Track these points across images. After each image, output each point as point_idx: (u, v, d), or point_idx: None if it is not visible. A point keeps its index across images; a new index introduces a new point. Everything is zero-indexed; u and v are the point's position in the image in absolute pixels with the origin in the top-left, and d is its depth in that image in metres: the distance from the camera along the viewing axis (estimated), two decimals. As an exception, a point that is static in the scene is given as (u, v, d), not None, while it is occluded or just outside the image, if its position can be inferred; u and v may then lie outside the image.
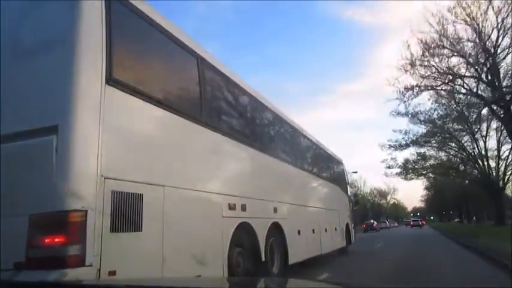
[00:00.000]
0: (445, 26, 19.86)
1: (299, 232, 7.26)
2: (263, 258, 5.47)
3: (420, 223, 57.09)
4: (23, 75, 3.08)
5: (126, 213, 3.10)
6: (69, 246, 2.66)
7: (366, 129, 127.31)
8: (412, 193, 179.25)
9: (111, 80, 3.13)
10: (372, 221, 45.76)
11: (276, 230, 6.15)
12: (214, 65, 5.08)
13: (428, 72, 20.95)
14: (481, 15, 18.96)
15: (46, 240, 2.68)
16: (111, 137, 3.06)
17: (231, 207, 4.82)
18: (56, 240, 2.67)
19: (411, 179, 34.46)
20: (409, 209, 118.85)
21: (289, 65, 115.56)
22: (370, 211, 68.27)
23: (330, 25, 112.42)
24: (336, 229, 10.57)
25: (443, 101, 26.20)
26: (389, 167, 31.59)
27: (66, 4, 3.13)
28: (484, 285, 5.75)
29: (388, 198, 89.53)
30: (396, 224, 69.29)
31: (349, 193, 13.82)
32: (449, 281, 6.24)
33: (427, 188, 61.61)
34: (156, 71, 4.03)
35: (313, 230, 8.32)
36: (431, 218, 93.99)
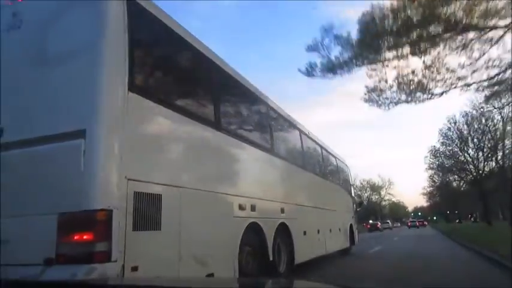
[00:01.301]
0: None
1: (305, 232, 7.43)
2: (271, 258, 5.63)
3: (418, 224, 59.08)
4: (51, 81, 3.26)
5: (147, 212, 3.29)
6: (96, 243, 2.84)
7: (365, 128, 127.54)
8: (413, 192, 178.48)
9: (133, 87, 3.31)
10: (376, 221, 49.63)
11: (283, 230, 6.31)
12: (228, 71, 5.27)
13: None
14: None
15: (75, 238, 2.87)
16: (133, 140, 3.24)
17: (242, 207, 5.00)
18: (84, 237, 2.85)
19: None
20: (410, 208, 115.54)
21: (289, 63, 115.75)
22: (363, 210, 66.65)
23: (330, 24, 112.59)
24: (340, 230, 10.73)
25: None
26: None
27: (92, 15, 3.31)
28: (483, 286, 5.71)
29: (383, 193, 79.40)
30: (399, 224, 69.51)
31: (353, 194, 13.98)
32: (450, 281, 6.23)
33: (431, 179, 55.49)
34: (172, 77, 4.21)
35: (318, 231, 8.49)
36: (435, 218, 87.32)
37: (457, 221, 61.99)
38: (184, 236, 3.71)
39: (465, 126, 34.60)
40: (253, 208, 5.27)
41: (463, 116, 34.07)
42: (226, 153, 4.89)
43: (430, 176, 49.14)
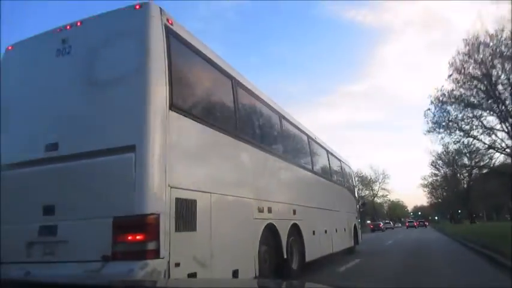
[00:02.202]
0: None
1: (314, 232, 7.89)
2: (285, 256, 6.10)
3: (415, 224, 60.48)
4: (102, 102, 3.74)
5: (185, 216, 3.76)
6: (147, 242, 3.32)
7: (364, 128, 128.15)
8: (413, 191, 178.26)
9: (172, 106, 3.79)
10: (379, 222, 53.02)
11: (295, 230, 6.78)
12: (249, 87, 5.81)
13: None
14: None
15: (128, 238, 3.34)
16: (173, 153, 3.71)
17: (260, 209, 5.47)
18: (137, 237, 3.33)
19: None
20: (410, 207, 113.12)
21: (290, 65, 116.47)
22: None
23: (331, 25, 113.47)
24: (345, 230, 11.20)
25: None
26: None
27: (136, 43, 3.79)
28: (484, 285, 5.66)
29: (376, 188, 69.20)
30: (399, 225, 70.10)
31: (356, 196, 14.46)
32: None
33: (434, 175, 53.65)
34: (203, 95, 4.70)
35: (326, 231, 8.95)
36: (436, 218, 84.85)
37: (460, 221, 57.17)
38: (214, 235, 4.19)
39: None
40: (269, 210, 5.75)
41: None
42: (247, 161, 5.38)
43: (433, 162, 45.44)
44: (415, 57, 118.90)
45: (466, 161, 38.78)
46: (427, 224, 65.30)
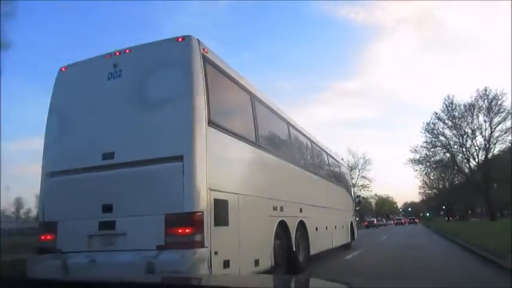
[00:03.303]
0: None
1: (317, 229, 8.72)
2: (294, 249, 6.92)
3: (403, 221, 63.39)
4: (152, 119, 4.51)
5: (220, 213, 4.55)
6: (194, 234, 4.10)
7: (357, 125, 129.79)
8: (405, 188, 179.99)
9: (210, 122, 4.57)
10: (373, 219, 56.96)
11: (301, 226, 7.60)
12: (263, 99, 6.64)
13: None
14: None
15: (179, 231, 4.13)
16: (211, 161, 4.49)
17: (274, 208, 6.28)
18: (186, 231, 4.11)
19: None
20: (400, 204, 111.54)
21: (283, 62, 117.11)
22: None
23: (324, 23, 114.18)
24: (343, 227, 12.08)
25: None
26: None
27: (180, 68, 4.57)
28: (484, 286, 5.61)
29: (356, 174, 55.11)
30: (391, 222, 71.24)
31: (352, 194, 15.36)
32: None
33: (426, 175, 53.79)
34: (230, 111, 5.51)
35: (327, 227, 9.80)
36: (427, 214, 79.78)
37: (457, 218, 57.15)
38: (241, 230, 4.98)
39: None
40: (281, 209, 6.56)
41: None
42: (264, 166, 6.20)
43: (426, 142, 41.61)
44: (408, 55, 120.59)
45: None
46: (417, 221, 65.59)
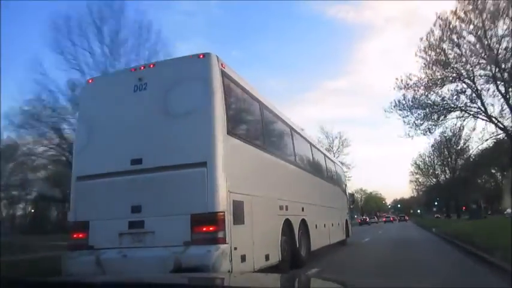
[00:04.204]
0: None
1: (316, 226, 9.30)
2: (297, 245, 7.48)
3: (392, 219, 65.20)
4: (177, 128, 5.02)
5: (238, 213, 5.09)
6: (217, 232, 4.63)
7: (347, 124, 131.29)
8: (394, 185, 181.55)
9: (228, 132, 5.10)
10: (365, 217, 60.47)
11: (303, 224, 8.17)
12: (269, 107, 7.18)
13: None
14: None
15: (203, 229, 4.66)
16: (230, 166, 5.02)
17: (281, 207, 6.84)
18: (210, 229, 4.64)
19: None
20: (390, 201, 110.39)
21: (273, 61, 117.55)
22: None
23: (314, 22, 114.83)
24: (339, 224, 12.70)
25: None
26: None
27: (202, 82, 5.08)
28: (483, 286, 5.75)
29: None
30: (383, 220, 72.25)
31: (347, 193, 16.01)
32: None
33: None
34: (242, 119, 6.03)
35: (325, 225, 10.40)
36: (418, 211, 79.43)
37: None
38: (254, 228, 5.52)
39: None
40: (287, 208, 7.12)
41: None
42: (272, 168, 6.75)
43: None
44: (397, 54, 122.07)
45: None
46: (407, 218, 65.23)
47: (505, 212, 42.01)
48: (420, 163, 55.49)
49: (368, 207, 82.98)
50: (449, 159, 47.99)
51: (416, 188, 61.33)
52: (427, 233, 21.05)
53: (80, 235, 5.26)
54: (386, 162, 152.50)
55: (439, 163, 51.85)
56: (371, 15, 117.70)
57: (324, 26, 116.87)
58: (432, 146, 46.93)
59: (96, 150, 5.42)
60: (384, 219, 66.46)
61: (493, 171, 47.72)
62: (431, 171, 54.96)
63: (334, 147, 46.66)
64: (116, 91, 5.57)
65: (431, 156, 51.96)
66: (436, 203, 65.40)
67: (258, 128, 6.55)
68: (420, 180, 60.66)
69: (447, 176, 50.93)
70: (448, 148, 45.52)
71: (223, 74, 5.28)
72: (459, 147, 42.87)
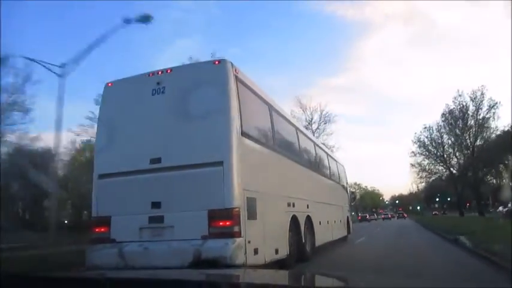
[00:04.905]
0: None
1: (320, 223, 9.66)
2: (303, 241, 7.84)
3: (390, 216, 65.29)
4: (194, 130, 5.36)
5: (251, 209, 5.43)
6: (233, 226, 4.98)
7: (346, 121, 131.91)
8: (392, 182, 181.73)
9: (242, 133, 5.44)
10: (366, 214, 62.47)
11: (308, 221, 8.52)
12: (277, 109, 7.53)
13: None
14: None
15: (220, 224, 5.01)
16: (244, 165, 5.36)
17: (289, 204, 7.19)
18: (227, 223, 4.99)
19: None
20: (387, 197, 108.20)
21: (271, 58, 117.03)
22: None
23: (313, 19, 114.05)
24: (340, 221, 13.07)
25: None
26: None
27: (218, 86, 5.41)
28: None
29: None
30: (383, 216, 72.11)
31: (348, 191, 16.39)
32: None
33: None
34: (254, 120, 6.37)
35: (328, 222, 10.76)
36: (418, 208, 74.48)
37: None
38: (265, 223, 5.87)
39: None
40: (293, 205, 7.47)
41: None
42: (281, 167, 7.11)
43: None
44: (396, 52, 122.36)
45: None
46: (405, 215, 63.84)
47: (498, 210, 34.30)
48: (426, 139, 43.95)
49: (363, 203, 77.45)
50: (467, 134, 40.53)
51: (419, 173, 45.96)
52: (447, 244, 11.50)
53: (102, 229, 5.60)
54: (385, 159, 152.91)
55: (451, 142, 42.89)
56: (370, 12, 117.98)
57: (322, 23, 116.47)
58: (443, 115, 41.57)
59: (116, 149, 5.75)
60: (383, 216, 66.78)
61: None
62: (440, 152, 43.25)
63: (313, 126, 36.57)
64: (135, 94, 5.90)
65: (441, 131, 43.09)
66: (437, 199, 60.56)
67: (268, 129, 6.89)
68: (424, 165, 45.33)
69: (460, 161, 42.28)
70: (465, 120, 39.40)
71: (237, 79, 5.62)
72: (480, 117, 38.16)
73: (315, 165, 10.48)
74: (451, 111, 40.88)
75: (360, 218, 55.60)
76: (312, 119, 36.79)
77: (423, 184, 52.42)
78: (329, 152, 13.17)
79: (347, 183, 16.58)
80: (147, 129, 5.66)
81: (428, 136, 43.54)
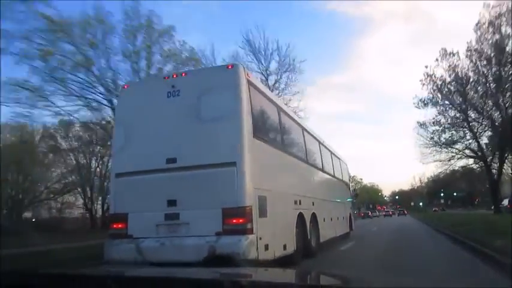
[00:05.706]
0: None
1: (324, 219, 9.95)
2: (308, 237, 8.12)
3: (391, 213, 65.29)
4: (208, 131, 5.61)
5: (262, 207, 5.71)
6: (246, 223, 5.26)
7: (346, 119, 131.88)
8: (392, 178, 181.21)
9: (254, 134, 5.70)
10: (368, 211, 63.08)
11: (313, 217, 8.80)
12: (285, 110, 7.79)
13: None
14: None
15: (233, 221, 5.28)
16: (256, 165, 5.63)
17: (296, 202, 7.47)
18: (240, 221, 5.26)
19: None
20: (388, 193, 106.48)
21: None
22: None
23: (313, 17, 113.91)
24: (343, 218, 13.37)
25: None
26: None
27: (231, 89, 5.66)
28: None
29: (271, 82, 25.14)
30: (383, 213, 72.21)
31: (350, 188, 16.68)
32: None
33: None
34: (264, 122, 6.63)
35: (331, 218, 11.05)
36: (420, 204, 71.84)
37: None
38: (275, 220, 6.15)
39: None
40: (300, 202, 7.75)
41: None
42: (289, 166, 7.39)
43: None
44: (397, 50, 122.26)
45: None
46: (406, 212, 63.27)
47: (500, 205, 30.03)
48: (439, 82, 27.92)
49: (360, 199, 68.95)
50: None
51: (429, 148, 31.65)
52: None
53: (120, 225, 5.88)
54: (385, 156, 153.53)
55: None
56: (371, 10, 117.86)
57: (323, 21, 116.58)
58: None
59: (133, 149, 6.01)
60: (384, 213, 67.24)
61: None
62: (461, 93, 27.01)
63: (271, 79, 22.56)
64: (151, 96, 6.15)
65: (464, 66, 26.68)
66: (442, 194, 57.25)
67: (277, 130, 7.15)
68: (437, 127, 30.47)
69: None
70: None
71: (249, 83, 5.87)
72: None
73: (320, 163, 10.75)
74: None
75: (362, 214, 55.99)
76: (267, 68, 22.18)
77: (432, 170, 43.08)
78: (333, 150, 13.41)
79: (350, 180, 16.88)
80: (162, 131, 5.91)
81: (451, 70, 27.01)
